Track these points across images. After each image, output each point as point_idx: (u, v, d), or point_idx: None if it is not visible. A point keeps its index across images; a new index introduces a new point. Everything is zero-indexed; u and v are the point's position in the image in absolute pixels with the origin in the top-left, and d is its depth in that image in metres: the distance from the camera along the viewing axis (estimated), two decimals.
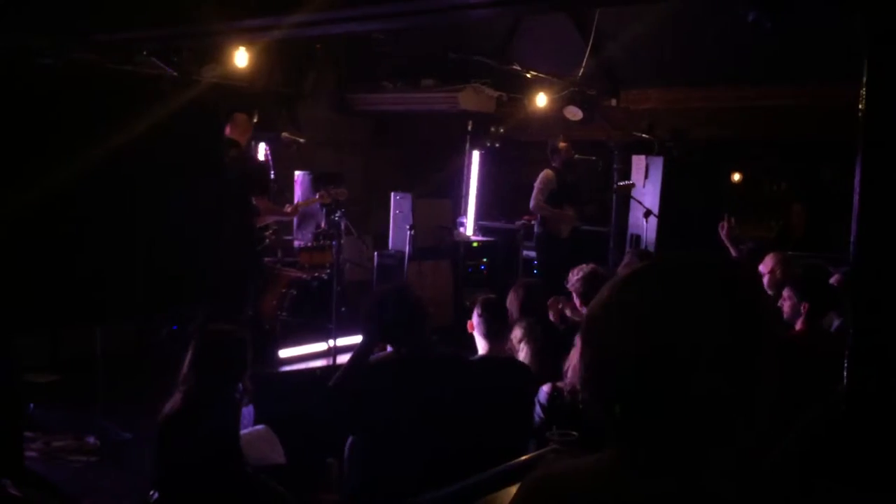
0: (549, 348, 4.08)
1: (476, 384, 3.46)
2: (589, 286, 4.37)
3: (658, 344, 0.99)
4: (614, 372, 1.03)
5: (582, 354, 1.08)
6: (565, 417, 3.48)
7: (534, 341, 4.03)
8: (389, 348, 3.41)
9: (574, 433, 2.77)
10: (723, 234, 5.89)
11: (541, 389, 3.81)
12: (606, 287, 1.08)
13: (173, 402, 3.22)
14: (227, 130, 6.15)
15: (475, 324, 3.77)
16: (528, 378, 3.82)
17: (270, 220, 6.72)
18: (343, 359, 6.16)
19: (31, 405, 4.96)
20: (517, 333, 4.08)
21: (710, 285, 1.03)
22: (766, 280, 5.03)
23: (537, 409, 3.70)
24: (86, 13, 4.17)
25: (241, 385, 3.28)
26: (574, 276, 4.53)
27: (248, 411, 4.02)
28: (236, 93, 7.03)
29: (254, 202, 6.29)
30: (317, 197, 7.11)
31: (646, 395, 1.00)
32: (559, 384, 3.81)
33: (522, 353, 4.04)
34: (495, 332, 3.79)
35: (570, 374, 3.63)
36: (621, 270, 3.96)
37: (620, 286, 1.06)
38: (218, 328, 3.43)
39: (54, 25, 4.10)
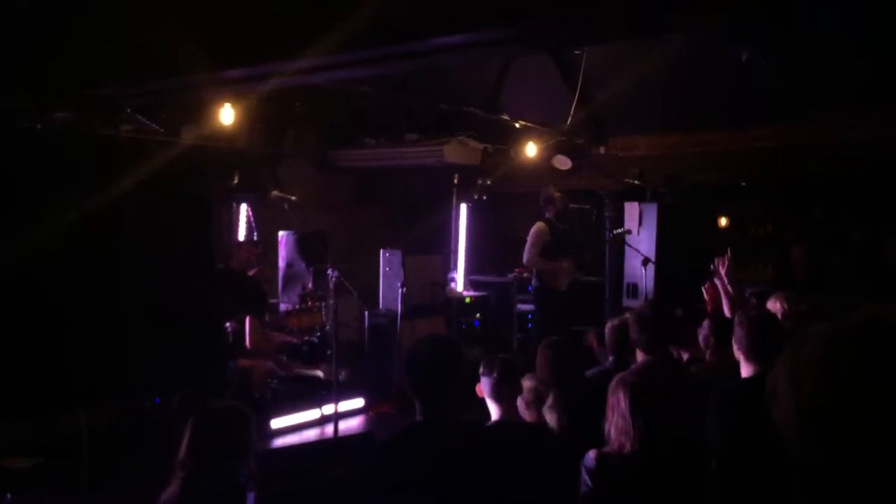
0: (572, 408, 3.79)
1: (497, 454, 3.17)
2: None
3: None
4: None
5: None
6: (618, 483, 3.21)
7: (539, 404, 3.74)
8: None
9: None
10: (723, 271, 5.58)
11: (587, 456, 3.52)
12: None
13: (170, 493, 2.89)
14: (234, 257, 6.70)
15: (484, 386, 3.50)
16: (553, 442, 3.55)
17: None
18: (342, 425, 5.89)
19: (9, 495, 4.57)
20: (526, 396, 3.79)
21: None
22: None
23: (584, 476, 3.40)
24: (67, 69, 3.92)
25: (244, 468, 2.97)
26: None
27: (250, 497, 3.67)
28: (217, 153, 6.81)
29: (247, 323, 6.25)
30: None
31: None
32: (605, 449, 3.52)
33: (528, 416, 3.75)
34: (508, 394, 3.52)
35: (613, 435, 3.33)
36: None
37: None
38: (218, 405, 3.12)
39: (31, 84, 3.85)
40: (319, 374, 6.67)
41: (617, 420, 3.11)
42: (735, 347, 3.49)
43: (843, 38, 6.01)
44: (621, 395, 3.09)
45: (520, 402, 3.74)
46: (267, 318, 6.77)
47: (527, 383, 3.85)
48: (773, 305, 5.09)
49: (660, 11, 3.31)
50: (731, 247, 9.12)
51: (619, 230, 7.82)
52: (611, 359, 4.39)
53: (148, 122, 4.52)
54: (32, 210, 4.06)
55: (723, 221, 9.99)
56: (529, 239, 7.51)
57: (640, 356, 3.87)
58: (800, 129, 7.55)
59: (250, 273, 6.67)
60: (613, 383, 3.16)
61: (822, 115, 7.31)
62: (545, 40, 4.36)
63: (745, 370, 3.47)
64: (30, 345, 4.02)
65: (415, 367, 2.97)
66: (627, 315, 4.31)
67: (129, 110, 4.35)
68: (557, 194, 7.61)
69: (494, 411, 3.53)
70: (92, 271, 4.28)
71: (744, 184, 9.03)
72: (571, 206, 7.73)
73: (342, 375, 6.41)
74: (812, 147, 7.60)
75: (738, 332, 3.45)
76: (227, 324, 5.99)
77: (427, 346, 3.07)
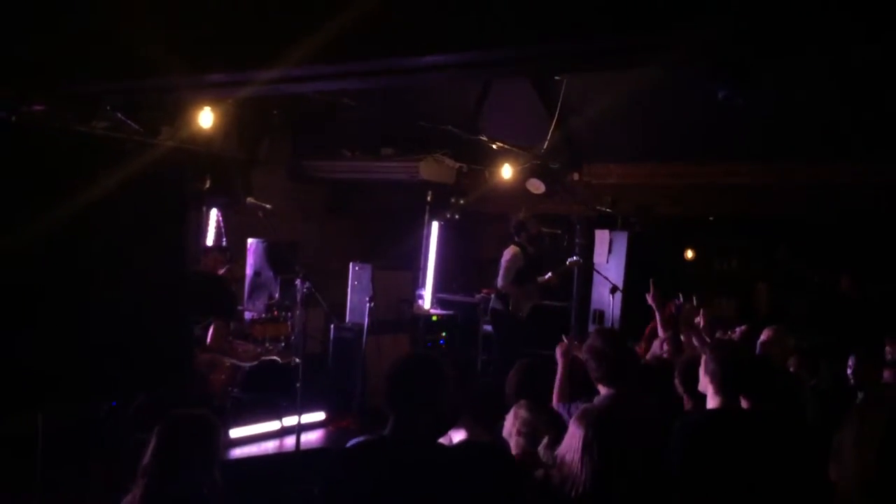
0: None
1: (457, 474, 3.14)
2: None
3: None
4: None
5: None
6: None
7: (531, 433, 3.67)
8: None
9: None
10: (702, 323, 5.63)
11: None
12: None
13: (131, 499, 2.83)
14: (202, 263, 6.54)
15: None
16: (509, 465, 3.52)
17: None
18: (304, 437, 5.82)
19: None
20: (510, 420, 3.73)
21: None
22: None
23: None
24: (47, 62, 3.85)
25: (208, 478, 2.91)
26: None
27: None
28: (191, 156, 6.73)
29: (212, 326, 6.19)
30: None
31: None
32: (552, 472, 3.50)
33: (514, 443, 3.69)
34: (464, 419, 3.52)
35: (568, 462, 3.31)
36: None
37: None
38: (185, 413, 3.05)
39: (11, 75, 3.77)
40: (276, 359, 6.55)
41: (568, 449, 3.10)
42: (705, 379, 3.52)
43: (819, 86, 6.15)
44: (580, 432, 3.08)
45: (507, 427, 3.70)
46: (232, 326, 6.67)
47: (522, 413, 3.78)
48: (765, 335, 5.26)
49: (634, 47, 3.36)
50: (696, 281, 9.28)
51: (573, 259, 7.91)
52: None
53: (126, 120, 4.45)
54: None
55: (689, 254, 10.13)
56: (504, 264, 7.54)
57: (602, 391, 3.83)
58: (770, 169, 7.69)
59: (220, 272, 6.60)
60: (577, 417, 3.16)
61: (793, 158, 7.46)
62: (525, 67, 4.40)
63: (712, 402, 3.50)
64: None
65: (394, 382, 2.95)
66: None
67: (108, 107, 4.29)
68: (529, 220, 7.66)
69: (457, 434, 3.51)
70: (57, 268, 4.20)
71: (711, 218, 9.16)
72: (543, 230, 7.78)
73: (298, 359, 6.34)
74: (780, 188, 7.74)
75: (709, 365, 3.48)
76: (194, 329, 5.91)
77: (410, 363, 3.05)
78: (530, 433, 3.54)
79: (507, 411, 4.02)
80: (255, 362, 6.50)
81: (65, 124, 4.41)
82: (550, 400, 4.15)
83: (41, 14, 4.06)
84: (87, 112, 4.45)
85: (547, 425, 3.58)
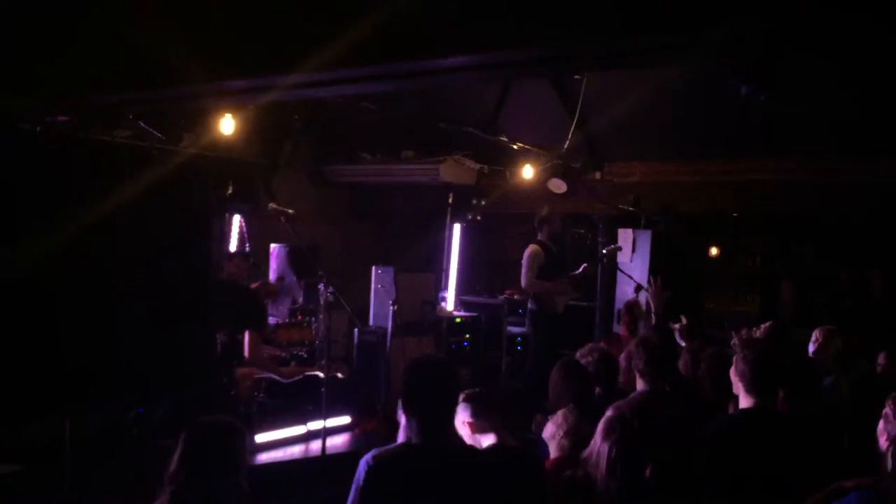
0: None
1: (489, 480, 3.12)
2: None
3: None
4: None
5: None
6: None
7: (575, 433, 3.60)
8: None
9: None
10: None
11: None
12: None
13: None
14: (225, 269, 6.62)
15: (472, 425, 3.45)
16: (539, 470, 3.50)
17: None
18: (329, 441, 5.83)
19: None
20: (557, 422, 3.66)
21: None
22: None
23: None
24: (70, 73, 3.89)
25: (235, 486, 2.90)
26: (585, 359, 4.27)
27: None
28: (213, 162, 6.76)
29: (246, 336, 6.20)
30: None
31: None
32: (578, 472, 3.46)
33: (557, 446, 3.62)
34: (493, 424, 3.50)
35: (597, 469, 3.27)
36: None
37: None
38: (211, 420, 3.06)
39: (34, 87, 3.81)
40: (319, 373, 6.51)
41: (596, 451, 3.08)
42: (735, 379, 3.49)
43: (845, 83, 6.06)
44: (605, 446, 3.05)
45: (550, 429, 3.66)
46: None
47: (571, 417, 3.70)
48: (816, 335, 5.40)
49: (651, 48, 3.33)
50: (717, 278, 9.16)
51: (612, 246, 7.86)
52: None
53: (149, 129, 4.49)
54: (27, 214, 4.02)
55: (713, 251, 10.03)
56: (525, 263, 7.51)
57: (640, 385, 3.83)
58: (794, 166, 7.59)
59: (253, 286, 6.64)
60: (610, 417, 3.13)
61: (818, 155, 7.36)
62: (545, 67, 4.38)
63: (744, 402, 3.47)
64: (17, 349, 3.97)
65: (417, 388, 2.95)
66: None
67: (130, 116, 4.32)
68: (554, 215, 7.63)
69: (486, 439, 3.49)
70: (83, 276, 4.24)
71: (735, 215, 9.06)
72: (568, 226, 7.75)
73: (341, 374, 6.39)
74: (805, 185, 7.64)
75: (740, 366, 3.45)
76: (219, 335, 5.92)
77: (428, 367, 3.05)
78: (577, 436, 3.51)
79: (538, 414, 3.99)
80: (298, 377, 6.52)
81: (88, 134, 4.45)
82: (595, 402, 4.11)
83: (62, 26, 4.10)
84: (110, 121, 4.48)
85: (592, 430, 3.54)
